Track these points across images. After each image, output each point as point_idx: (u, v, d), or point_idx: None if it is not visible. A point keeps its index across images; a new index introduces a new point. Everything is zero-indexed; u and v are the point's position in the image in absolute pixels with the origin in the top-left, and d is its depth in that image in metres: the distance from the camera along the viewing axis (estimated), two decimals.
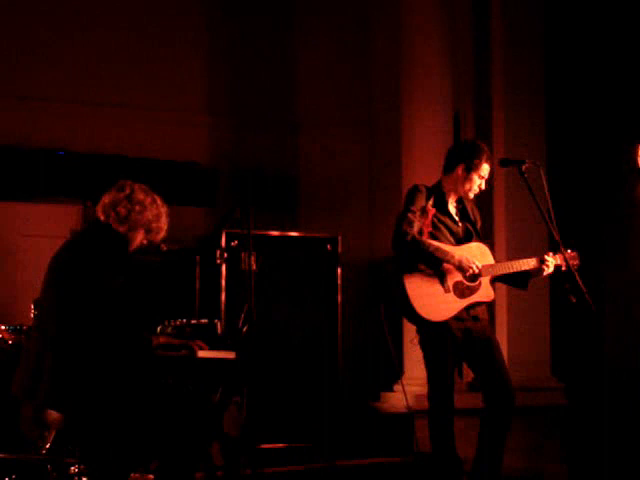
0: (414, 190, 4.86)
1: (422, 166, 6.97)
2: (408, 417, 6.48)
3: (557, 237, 4.76)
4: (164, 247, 4.80)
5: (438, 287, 4.70)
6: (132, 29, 7.54)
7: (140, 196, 4.13)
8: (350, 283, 6.91)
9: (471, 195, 4.94)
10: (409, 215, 4.74)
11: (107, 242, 4.03)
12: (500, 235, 6.93)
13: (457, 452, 4.86)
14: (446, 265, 4.70)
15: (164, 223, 4.21)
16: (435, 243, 4.73)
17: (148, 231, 4.16)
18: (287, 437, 6.20)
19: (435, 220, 4.83)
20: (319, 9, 8.20)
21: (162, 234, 4.24)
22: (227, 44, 7.91)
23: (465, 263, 4.70)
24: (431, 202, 4.84)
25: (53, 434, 4.00)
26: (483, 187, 4.94)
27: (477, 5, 7.50)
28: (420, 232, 4.76)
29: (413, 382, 6.64)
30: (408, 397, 6.65)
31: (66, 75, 7.26)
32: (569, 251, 4.93)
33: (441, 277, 4.71)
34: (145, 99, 7.44)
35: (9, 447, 4.78)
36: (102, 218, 4.10)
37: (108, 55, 7.40)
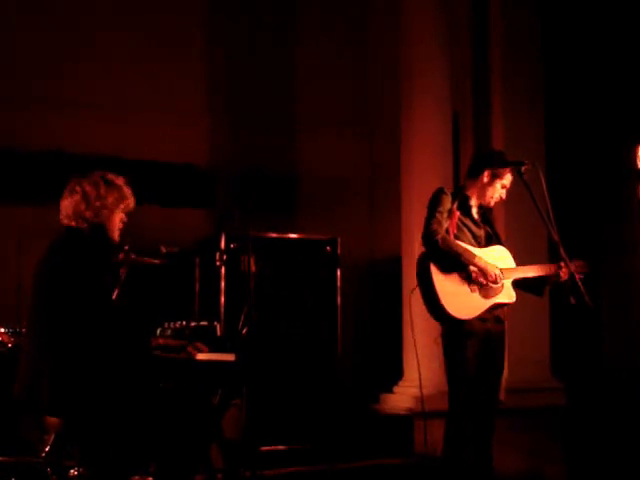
0: (440, 193, 4.91)
1: (421, 167, 6.97)
2: (408, 419, 6.49)
3: (556, 238, 4.75)
4: (163, 249, 4.80)
5: (464, 286, 4.74)
6: (132, 31, 7.53)
7: (92, 191, 4.08)
8: (350, 285, 6.91)
9: (492, 203, 4.98)
10: (437, 215, 4.79)
11: (87, 246, 4.00)
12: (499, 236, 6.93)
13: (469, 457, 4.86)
14: (472, 268, 4.74)
15: (128, 194, 4.16)
16: (463, 245, 4.78)
17: (120, 210, 4.14)
18: (287, 439, 6.20)
19: (459, 223, 4.87)
20: (319, 10, 8.21)
21: (132, 203, 4.20)
22: (227, 45, 7.92)
23: (490, 270, 4.75)
24: (456, 205, 4.88)
25: (53, 437, 4.00)
26: (504, 197, 4.99)
27: (476, 5, 7.49)
28: (446, 233, 4.80)
29: (413, 384, 6.64)
30: (408, 399, 6.67)
31: (65, 77, 7.25)
32: (576, 260, 4.96)
33: (467, 277, 4.75)
34: (144, 101, 7.44)
35: (9, 450, 4.77)
36: (73, 225, 4.07)
37: (108, 56, 7.40)
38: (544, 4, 7.45)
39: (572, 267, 4.83)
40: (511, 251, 5.02)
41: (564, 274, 4.85)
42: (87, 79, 7.31)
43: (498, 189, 4.94)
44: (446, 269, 4.72)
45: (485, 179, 4.92)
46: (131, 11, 7.57)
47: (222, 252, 6.27)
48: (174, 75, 7.65)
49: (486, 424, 4.85)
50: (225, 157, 7.71)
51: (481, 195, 4.95)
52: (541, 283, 5.00)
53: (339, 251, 6.68)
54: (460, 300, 4.72)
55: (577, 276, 4.80)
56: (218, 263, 6.27)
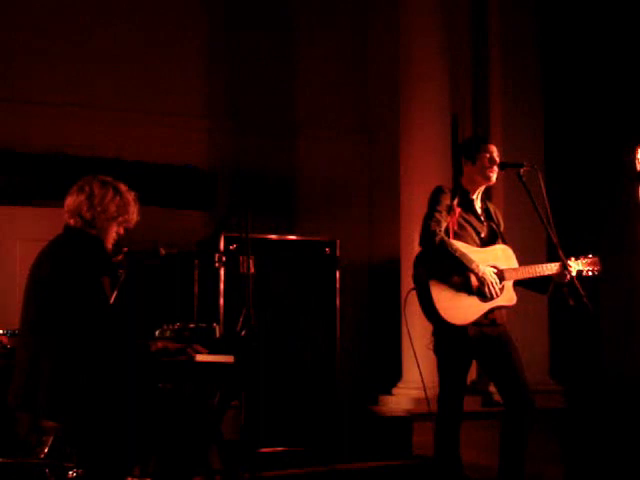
0: (438, 190, 4.85)
1: (420, 169, 6.98)
2: (407, 420, 6.49)
3: (555, 240, 4.74)
4: (162, 250, 4.79)
5: (462, 290, 4.67)
6: (132, 32, 7.53)
7: (99, 194, 4.07)
8: (349, 286, 6.91)
9: (493, 178, 4.89)
10: (436, 215, 4.73)
11: (82, 246, 4.00)
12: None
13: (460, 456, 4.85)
14: (469, 273, 4.69)
15: (133, 210, 4.15)
16: (462, 248, 4.70)
17: (118, 223, 4.13)
18: (286, 441, 6.21)
19: (461, 219, 4.81)
20: (319, 12, 8.21)
21: (134, 220, 4.20)
22: (226, 47, 7.91)
23: (488, 279, 4.67)
24: (456, 201, 4.83)
25: (51, 438, 4.00)
26: (498, 161, 4.88)
27: (475, 7, 7.50)
28: (446, 231, 4.74)
29: (411, 385, 6.65)
30: (407, 401, 6.67)
31: (64, 79, 7.25)
32: (590, 256, 4.94)
33: (466, 280, 4.69)
34: (144, 102, 7.44)
35: (7, 451, 4.77)
36: (72, 223, 4.08)
37: (107, 58, 7.40)
38: (543, 4, 7.46)
39: (593, 268, 4.85)
40: None
41: (569, 273, 4.79)
42: (87, 82, 7.31)
43: (486, 163, 4.85)
44: (443, 271, 4.67)
45: (470, 166, 4.88)
46: (131, 11, 7.56)
47: (221, 253, 6.26)
48: (174, 76, 7.65)
49: (519, 431, 4.73)
50: (225, 159, 7.71)
51: (477, 180, 4.89)
52: (546, 281, 4.90)
53: (338, 253, 6.68)
54: (456, 305, 4.65)
55: (594, 273, 4.82)
56: (217, 264, 6.26)
